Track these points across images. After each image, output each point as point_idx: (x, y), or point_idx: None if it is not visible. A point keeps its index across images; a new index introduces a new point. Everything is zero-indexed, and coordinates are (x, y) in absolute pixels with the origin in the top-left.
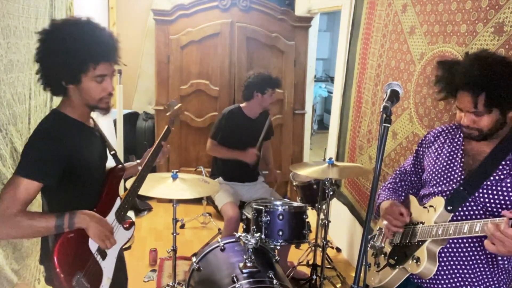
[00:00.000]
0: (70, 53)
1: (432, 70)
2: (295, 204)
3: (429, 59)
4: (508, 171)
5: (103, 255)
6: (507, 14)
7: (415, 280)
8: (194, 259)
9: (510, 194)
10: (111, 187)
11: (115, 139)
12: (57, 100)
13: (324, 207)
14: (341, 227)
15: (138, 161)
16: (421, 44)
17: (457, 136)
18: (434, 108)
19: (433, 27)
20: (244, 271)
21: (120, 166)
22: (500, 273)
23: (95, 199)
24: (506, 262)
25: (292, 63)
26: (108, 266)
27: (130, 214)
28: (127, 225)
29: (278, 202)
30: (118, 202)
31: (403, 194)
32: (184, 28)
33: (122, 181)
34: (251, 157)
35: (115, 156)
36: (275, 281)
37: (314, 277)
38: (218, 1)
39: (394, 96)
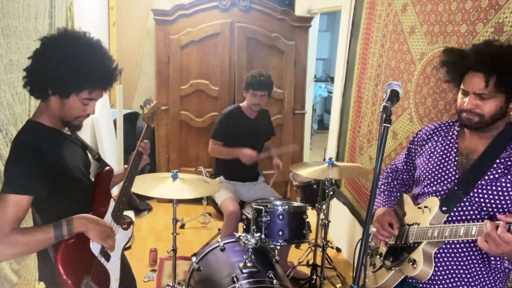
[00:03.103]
0: (71, 70)
1: (432, 70)
2: (295, 204)
3: (429, 59)
4: (502, 170)
5: (107, 257)
6: (507, 14)
7: (411, 281)
8: (194, 259)
9: (506, 194)
10: (102, 190)
11: (115, 139)
12: None
13: (324, 207)
14: (341, 227)
15: (126, 166)
16: (421, 44)
17: (451, 134)
18: (434, 108)
19: (433, 27)
20: (244, 271)
21: (107, 167)
22: (496, 273)
23: (88, 203)
24: (498, 263)
25: (292, 63)
26: (113, 268)
27: (130, 214)
28: (125, 225)
29: (278, 202)
30: (112, 204)
31: (398, 194)
32: (184, 28)
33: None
34: (249, 158)
35: (99, 159)
36: (275, 281)
37: (314, 277)
38: (218, 1)
39: (394, 96)
